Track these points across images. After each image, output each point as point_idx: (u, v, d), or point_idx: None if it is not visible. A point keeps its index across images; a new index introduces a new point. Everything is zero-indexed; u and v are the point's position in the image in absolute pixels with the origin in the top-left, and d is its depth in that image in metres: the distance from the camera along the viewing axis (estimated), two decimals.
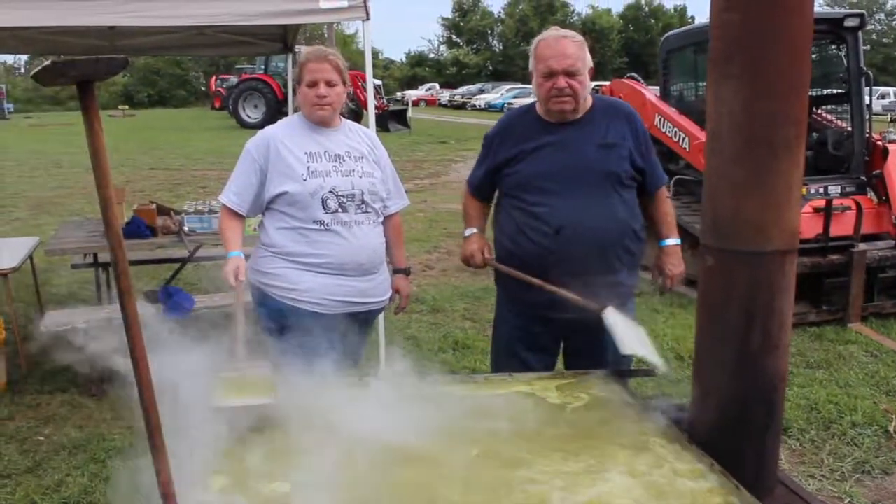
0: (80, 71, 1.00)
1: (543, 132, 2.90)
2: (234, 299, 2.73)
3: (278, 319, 2.94)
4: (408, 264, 3.43)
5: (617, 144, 2.85)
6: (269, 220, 3.04)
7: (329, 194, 2.91)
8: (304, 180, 2.91)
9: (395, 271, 3.32)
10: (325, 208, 2.91)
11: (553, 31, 2.86)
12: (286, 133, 3.03)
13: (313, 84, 2.93)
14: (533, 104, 3.02)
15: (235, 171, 3.04)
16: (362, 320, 3.12)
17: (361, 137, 3.15)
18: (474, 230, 3.13)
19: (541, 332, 2.95)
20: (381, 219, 3.13)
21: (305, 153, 2.95)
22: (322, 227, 2.92)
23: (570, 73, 2.75)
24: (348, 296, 2.99)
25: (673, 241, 3.04)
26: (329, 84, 2.94)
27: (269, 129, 3.09)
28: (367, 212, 3.01)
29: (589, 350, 2.98)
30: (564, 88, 2.76)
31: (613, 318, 2.63)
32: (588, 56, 2.83)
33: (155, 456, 1.27)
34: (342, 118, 3.13)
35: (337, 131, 3.07)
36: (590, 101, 2.91)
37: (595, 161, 2.82)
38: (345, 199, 2.95)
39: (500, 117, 3.31)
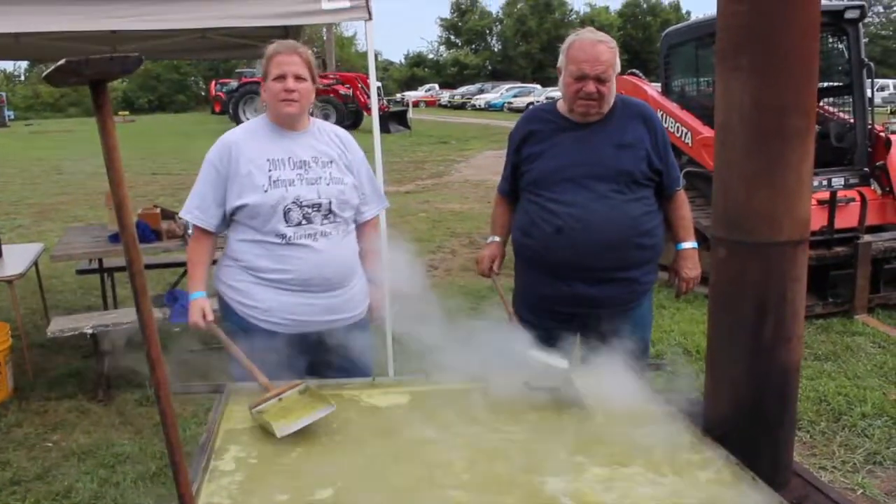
0: (95, 69, 1.00)
1: (563, 130, 2.92)
2: (222, 341, 2.61)
3: (241, 334, 2.71)
4: (383, 274, 3.10)
5: (634, 145, 2.87)
6: (231, 231, 2.84)
7: (292, 205, 2.71)
8: (265, 191, 2.70)
9: (371, 282, 3.05)
10: (287, 221, 2.71)
11: (589, 34, 2.85)
12: (247, 139, 2.81)
13: (281, 77, 2.71)
14: (555, 102, 3.03)
15: (196, 183, 2.83)
16: (335, 337, 2.84)
17: (332, 139, 2.90)
18: (496, 238, 3.19)
19: (554, 327, 2.96)
20: (351, 227, 2.92)
21: (267, 160, 2.74)
22: (284, 242, 2.72)
23: (600, 80, 2.77)
24: (312, 315, 2.79)
25: (689, 244, 3.06)
26: (298, 78, 2.72)
27: (228, 134, 2.85)
28: (334, 222, 2.80)
29: (605, 344, 2.99)
30: (593, 93, 2.79)
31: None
32: (618, 62, 2.85)
33: (171, 454, 1.27)
34: (312, 118, 2.92)
35: (304, 134, 2.85)
36: (612, 102, 2.92)
37: (610, 160, 2.84)
38: (310, 210, 2.74)
39: (522, 114, 3.33)
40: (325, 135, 2.90)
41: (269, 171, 2.72)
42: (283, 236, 2.72)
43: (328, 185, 2.78)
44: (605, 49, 2.78)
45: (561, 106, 2.97)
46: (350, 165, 2.91)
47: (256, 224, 2.73)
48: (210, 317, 2.75)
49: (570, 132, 2.90)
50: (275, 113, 2.80)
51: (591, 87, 2.77)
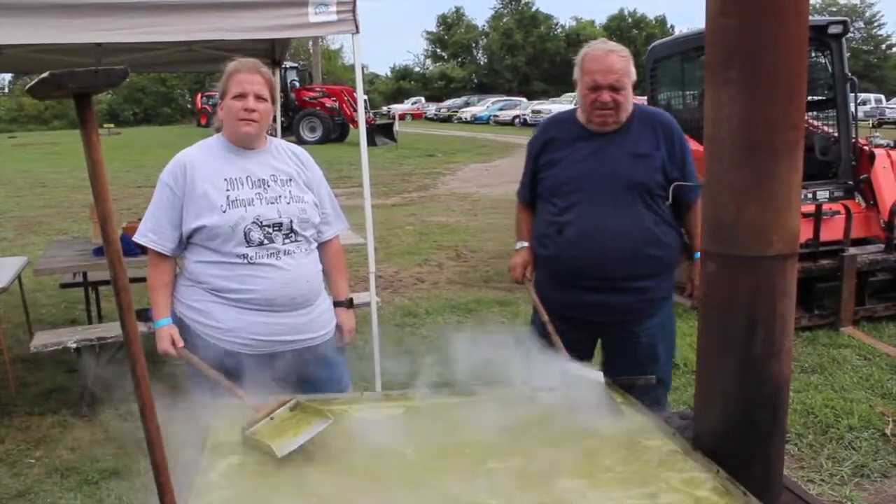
0: (79, 83, 0.98)
1: (580, 140, 2.95)
2: (201, 367, 2.52)
3: (205, 357, 2.61)
4: (349, 295, 3.08)
5: (650, 155, 2.89)
6: (189, 253, 2.74)
7: (252, 225, 2.63)
8: (224, 211, 2.62)
9: (336, 304, 3.00)
10: (248, 241, 2.63)
11: (601, 44, 2.89)
12: (202, 157, 2.72)
13: (241, 96, 2.64)
14: (574, 111, 3.06)
15: (150, 205, 2.73)
16: (304, 357, 2.80)
17: (289, 157, 2.84)
18: (524, 244, 3.21)
19: (571, 332, 2.88)
20: (313, 246, 2.85)
21: (225, 180, 2.66)
22: (246, 262, 2.65)
23: (615, 88, 2.80)
24: (278, 334, 2.72)
25: None
26: (258, 98, 2.66)
27: (183, 153, 2.74)
28: (296, 241, 2.73)
29: (622, 353, 3.00)
30: (608, 102, 2.82)
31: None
32: (633, 70, 2.88)
33: (157, 474, 1.25)
34: (268, 137, 2.84)
35: (261, 153, 2.77)
36: (630, 110, 2.93)
37: (625, 170, 2.86)
38: (270, 230, 2.67)
39: (541, 122, 3.36)
40: (283, 153, 2.84)
41: (227, 190, 2.65)
42: (244, 256, 2.64)
43: (289, 203, 2.73)
44: (616, 58, 2.81)
45: (580, 115, 2.99)
46: (309, 183, 2.85)
47: (216, 245, 2.65)
48: (180, 343, 2.66)
49: (587, 141, 2.93)
50: (232, 132, 2.72)
51: (605, 96, 2.81)
